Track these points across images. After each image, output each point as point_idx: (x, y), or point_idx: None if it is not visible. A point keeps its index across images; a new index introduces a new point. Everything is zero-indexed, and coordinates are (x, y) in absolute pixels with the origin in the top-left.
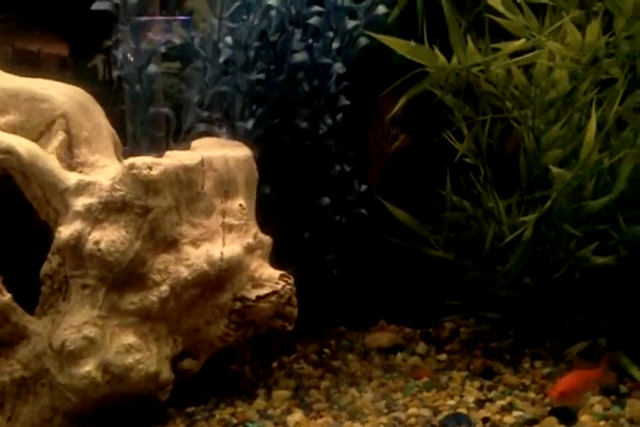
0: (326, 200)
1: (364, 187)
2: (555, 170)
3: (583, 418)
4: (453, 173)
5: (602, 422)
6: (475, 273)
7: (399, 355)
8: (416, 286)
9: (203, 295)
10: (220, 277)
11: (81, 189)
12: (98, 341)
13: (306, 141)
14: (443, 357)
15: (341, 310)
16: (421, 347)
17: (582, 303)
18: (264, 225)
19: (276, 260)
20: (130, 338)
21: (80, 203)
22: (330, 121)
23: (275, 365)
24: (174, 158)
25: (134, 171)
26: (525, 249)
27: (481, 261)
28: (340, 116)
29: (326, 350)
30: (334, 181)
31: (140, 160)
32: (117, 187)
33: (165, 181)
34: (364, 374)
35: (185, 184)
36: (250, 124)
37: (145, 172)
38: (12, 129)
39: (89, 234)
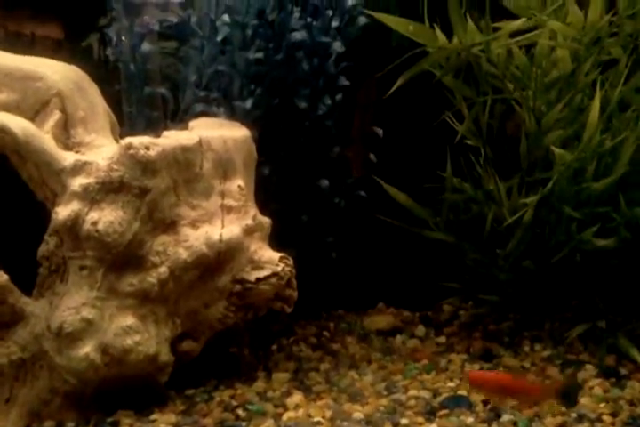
0: (325, 182)
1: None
2: (556, 151)
3: (583, 400)
4: (454, 154)
5: (602, 404)
6: (474, 256)
7: (398, 337)
8: (415, 269)
9: (202, 277)
10: (220, 259)
11: (78, 169)
12: (96, 322)
13: (305, 122)
14: (442, 339)
15: (340, 292)
16: (420, 330)
17: (582, 286)
18: (263, 206)
19: (275, 242)
20: (129, 320)
21: (77, 183)
22: (329, 101)
23: (274, 347)
24: (172, 139)
25: (132, 151)
26: (525, 232)
27: (480, 243)
28: (339, 97)
29: (325, 333)
30: (333, 162)
31: (137, 140)
32: (115, 167)
33: (163, 161)
34: (363, 357)
35: (183, 165)
36: (248, 103)
37: (142, 152)
38: (7, 108)
39: (86, 215)
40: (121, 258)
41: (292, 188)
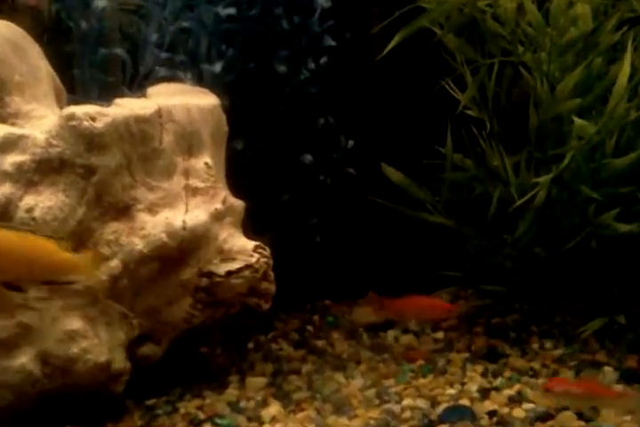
0: (308, 157)
1: (351, 142)
2: (577, 121)
3: (605, 412)
4: (454, 127)
5: (626, 418)
6: (477, 241)
7: (390, 333)
8: (409, 255)
9: (162, 271)
10: (183, 249)
11: (10, 144)
12: (35, 327)
13: (285, 89)
14: (439, 335)
15: (326, 281)
16: (415, 323)
17: (598, 276)
18: (236, 186)
19: (251, 226)
20: (75, 323)
21: (8, 161)
22: (312, 65)
23: (250, 345)
24: (124, 107)
25: (74, 122)
26: (536, 214)
27: (484, 227)
28: (324, 60)
29: (309, 328)
30: (318, 135)
31: (80, 109)
32: (54, 142)
33: (113, 134)
34: (351, 356)
35: (138, 138)
36: (218, 67)
37: (86, 123)
38: None
39: (20, 199)
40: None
41: (271, 164)
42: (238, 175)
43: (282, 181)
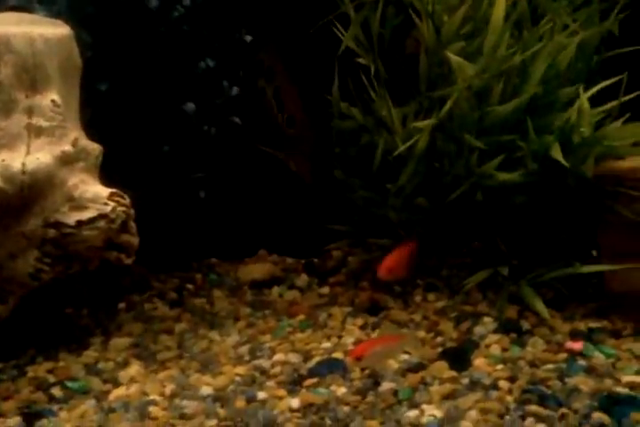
0: (190, 106)
1: (235, 90)
2: (455, 61)
3: (477, 362)
4: (342, 73)
5: (499, 366)
6: (363, 193)
7: (275, 289)
8: (300, 209)
9: (1, 221)
10: (24, 196)
11: None
12: None
13: (157, 26)
14: (325, 290)
15: (213, 238)
16: (302, 279)
17: (483, 227)
18: (105, 134)
19: (126, 180)
20: None
21: None
22: (187, 1)
23: (122, 306)
24: None
25: None
26: (419, 163)
27: (370, 178)
28: None
29: (189, 286)
30: (198, 80)
31: None
32: None
33: None
34: (229, 314)
35: None
36: None
37: None
38: None
39: None
40: None
41: (149, 111)
42: (109, 121)
43: (161, 131)
